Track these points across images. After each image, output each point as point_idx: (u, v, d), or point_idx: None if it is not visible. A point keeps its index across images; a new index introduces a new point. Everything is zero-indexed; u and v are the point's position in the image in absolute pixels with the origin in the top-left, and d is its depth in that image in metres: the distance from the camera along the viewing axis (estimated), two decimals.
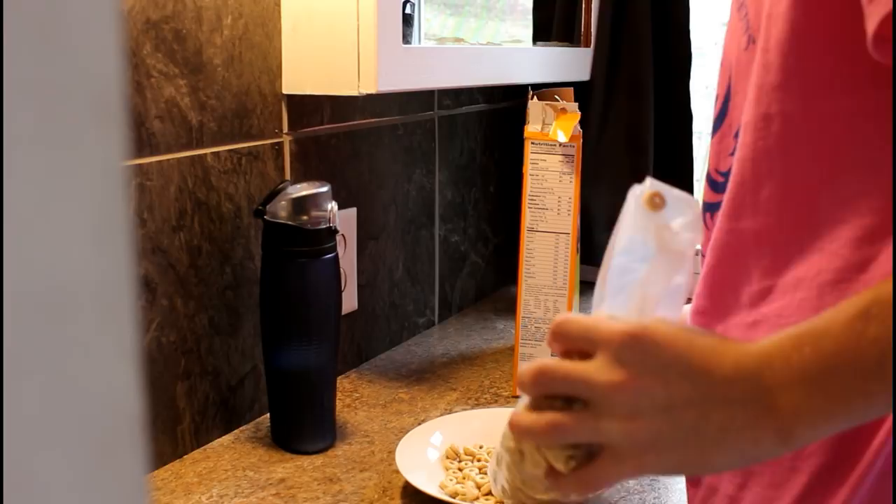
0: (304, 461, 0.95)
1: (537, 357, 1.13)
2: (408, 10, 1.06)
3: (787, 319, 0.56)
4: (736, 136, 0.61)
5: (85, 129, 0.21)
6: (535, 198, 1.11)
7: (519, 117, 1.19)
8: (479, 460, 0.93)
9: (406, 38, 1.03)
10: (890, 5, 0.46)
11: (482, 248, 1.54)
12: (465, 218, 1.47)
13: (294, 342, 0.95)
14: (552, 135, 1.09)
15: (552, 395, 0.52)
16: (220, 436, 1.00)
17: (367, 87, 0.97)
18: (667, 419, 0.49)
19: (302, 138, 1.08)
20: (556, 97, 1.15)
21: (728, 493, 0.61)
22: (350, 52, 0.98)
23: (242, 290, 1.02)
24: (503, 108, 1.53)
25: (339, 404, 1.05)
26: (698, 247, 0.59)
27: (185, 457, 0.95)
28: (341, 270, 0.98)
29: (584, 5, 1.44)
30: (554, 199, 1.10)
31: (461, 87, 1.39)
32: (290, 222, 0.92)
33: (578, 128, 1.10)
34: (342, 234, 0.99)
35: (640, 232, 0.53)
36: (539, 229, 1.11)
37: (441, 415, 1.05)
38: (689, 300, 0.64)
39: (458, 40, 1.22)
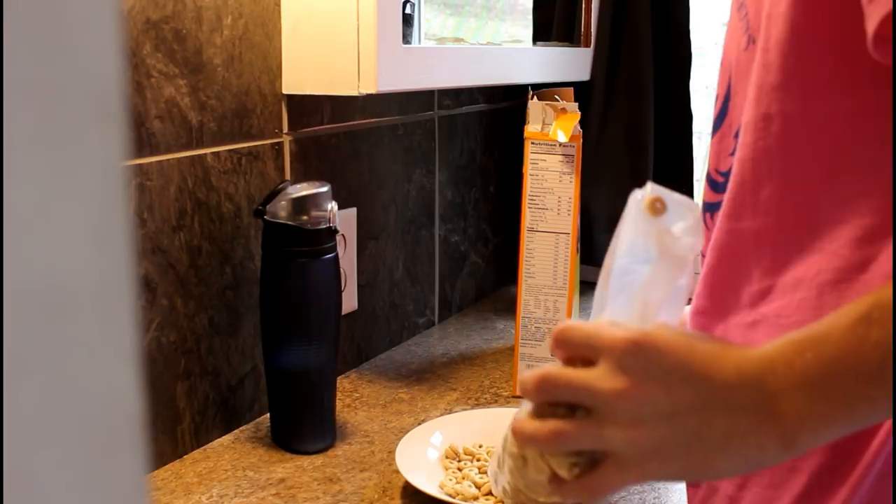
0: (304, 461, 0.95)
1: (537, 357, 1.13)
2: (408, 10, 1.06)
3: (787, 319, 0.56)
4: (736, 136, 0.61)
5: (85, 129, 0.21)
6: (535, 198, 1.11)
7: (519, 117, 1.19)
8: (478, 460, 0.93)
9: (406, 38, 1.03)
10: (890, 5, 0.46)
11: (482, 248, 1.54)
12: (465, 218, 1.47)
13: (294, 342, 0.95)
14: (552, 135, 1.09)
15: (555, 402, 0.53)
16: (220, 436, 1.00)
17: (367, 87, 0.97)
18: (670, 426, 0.49)
19: (302, 138, 1.08)
20: (556, 97, 1.15)
21: (728, 494, 0.61)
22: (350, 52, 0.98)
23: (242, 290, 1.02)
24: (503, 108, 1.53)
25: (339, 404, 1.05)
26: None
27: (185, 457, 0.95)
28: (341, 270, 0.98)
29: (584, 5, 1.44)
30: (554, 199, 1.10)
31: (461, 87, 1.39)
32: (290, 222, 0.92)
33: (578, 128, 1.10)
34: (342, 234, 0.99)
35: (642, 237, 0.54)
36: (539, 229, 1.11)
37: (441, 415, 1.05)
38: (689, 300, 0.64)
39: (458, 40, 1.22)
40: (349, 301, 1.19)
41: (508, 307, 1.47)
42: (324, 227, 0.94)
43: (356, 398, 1.12)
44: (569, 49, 1.42)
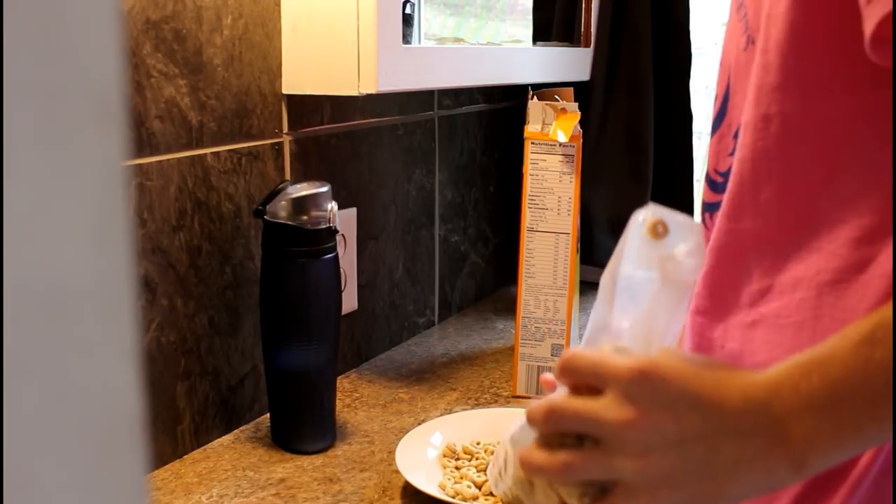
0: (304, 461, 0.95)
1: (537, 356, 1.13)
2: (408, 10, 1.06)
3: (787, 319, 0.56)
4: (735, 136, 0.61)
5: (85, 129, 0.21)
6: (535, 198, 1.11)
7: (519, 117, 1.19)
8: (476, 458, 0.93)
9: (406, 38, 1.03)
10: (889, 7, 0.46)
11: (482, 248, 1.54)
12: (465, 218, 1.47)
13: (294, 342, 0.95)
14: (552, 135, 1.09)
15: (563, 432, 0.53)
16: (220, 436, 1.00)
17: (367, 87, 0.98)
18: (678, 454, 0.49)
19: (302, 138, 1.08)
20: (556, 97, 1.15)
21: None
22: (350, 52, 0.98)
23: (242, 290, 1.02)
24: (503, 108, 1.53)
25: (339, 404, 1.05)
26: None
27: (185, 457, 0.95)
28: (341, 270, 0.98)
29: (584, 5, 1.44)
30: (554, 199, 1.10)
31: (461, 87, 1.39)
32: (290, 222, 0.92)
33: (578, 128, 1.10)
34: (342, 234, 0.99)
35: (645, 263, 0.54)
36: (539, 229, 1.11)
37: (441, 415, 1.05)
38: None
39: (458, 40, 1.23)
40: (349, 301, 1.19)
41: (508, 307, 1.47)
42: (324, 227, 0.94)
43: (356, 398, 1.12)
44: (569, 49, 1.42)
